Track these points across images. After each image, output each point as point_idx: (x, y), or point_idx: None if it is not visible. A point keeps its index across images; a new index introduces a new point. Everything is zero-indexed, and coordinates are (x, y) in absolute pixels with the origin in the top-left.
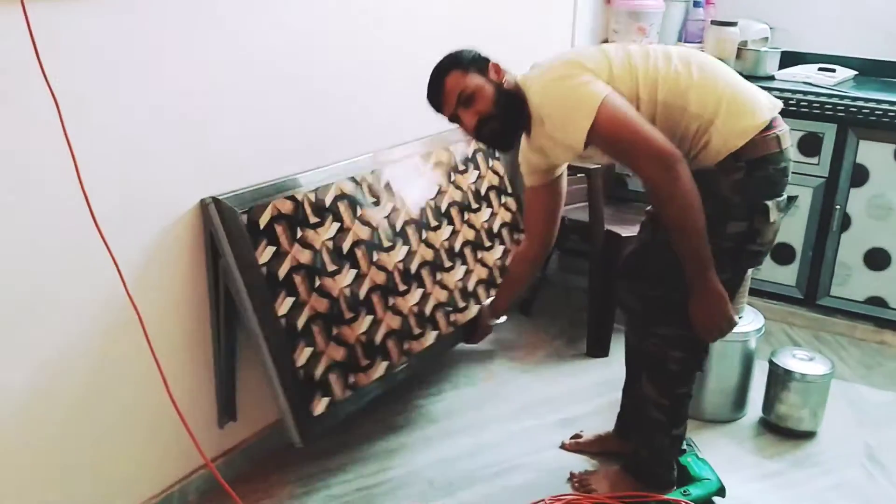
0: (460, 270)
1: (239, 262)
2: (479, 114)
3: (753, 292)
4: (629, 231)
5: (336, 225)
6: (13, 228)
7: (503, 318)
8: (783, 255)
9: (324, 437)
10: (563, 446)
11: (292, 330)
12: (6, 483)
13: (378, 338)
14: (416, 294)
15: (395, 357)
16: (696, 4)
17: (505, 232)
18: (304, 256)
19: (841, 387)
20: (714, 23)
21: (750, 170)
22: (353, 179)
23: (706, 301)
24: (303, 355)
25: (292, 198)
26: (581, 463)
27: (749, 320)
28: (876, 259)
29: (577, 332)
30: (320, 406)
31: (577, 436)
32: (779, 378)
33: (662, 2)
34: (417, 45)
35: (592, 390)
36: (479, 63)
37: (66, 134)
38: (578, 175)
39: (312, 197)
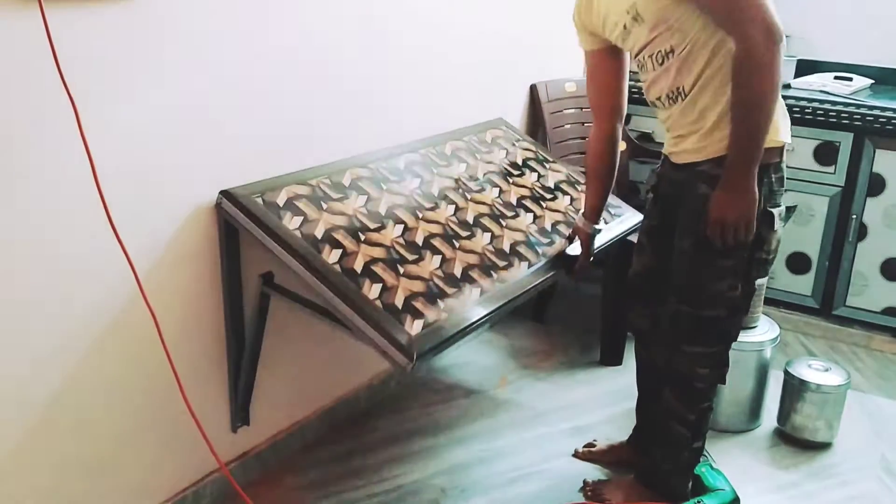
0: (527, 217)
1: (267, 231)
2: None
3: (769, 301)
4: None
5: (363, 197)
6: (28, 228)
7: (602, 225)
8: (799, 264)
9: (431, 355)
10: (576, 454)
11: (351, 273)
12: (21, 484)
13: (457, 271)
14: (484, 237)
15: (488, 284)
16: None
17: (565, 185)
18: (339, 220)
19: (857, 398)
20: None
21: (758, 174)
22: (365, 167)
23: (737, 194)
24: (372, 290)
25: (306, 183)
26: (594, 472)
27: (765, 330)
28: (893, 269)
29: (591, 340)
30: (415, 327)
31: (590, 444)
32: (794, 388)
33: None
34: (430, 43)
35: (606, 399)
36: None
37: (82, 133)
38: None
39: (328, 181)
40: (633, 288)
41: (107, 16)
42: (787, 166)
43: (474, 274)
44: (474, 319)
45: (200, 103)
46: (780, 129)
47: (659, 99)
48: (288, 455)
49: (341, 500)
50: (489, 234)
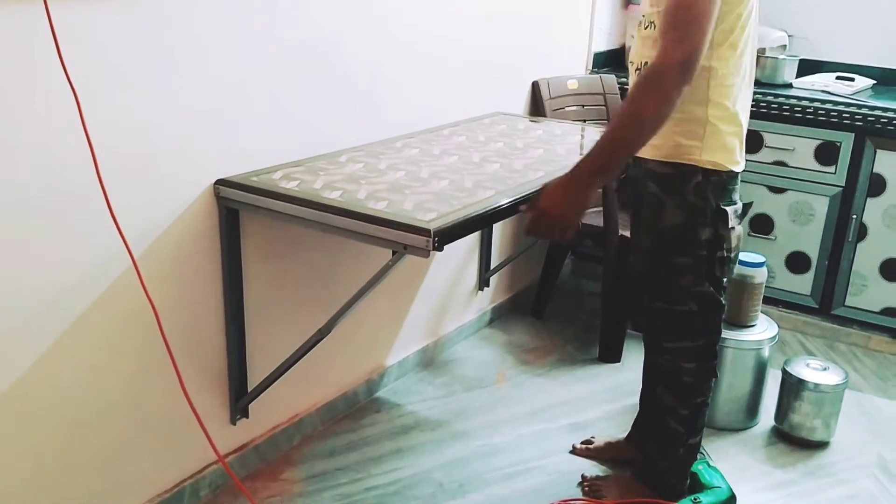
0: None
1: (267, 194)
2: None
3: (767, 300)
4: None
5: (360, 164)
6: (27, 213)
7: None
8: (798, 263)
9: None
10: (574, 451)
11: (355, 202)
12: (21, 478)
13: (468, 183)
14: (494, 165)
15: (502, 187)
16: None
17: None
18: (338, 177)
19: (855, 397)
20: None
21: (706, 175)
22: (362, 150)
23: (571, 192)
24: (379, 205)
25: (301, 165)
26: (592, 468)
27: (763, 328)
28: (892, 269)
29: (590, 337)
30: (429, 216)
31: (588, 441)
32: (792, 387)
33: None
34: (432, 38)
35: (604, 395)
36: None
37: (84, 124)
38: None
39: (323, 162)
40: (632, 286)
41: (110, 5)
42: (788, 165)
43: (487, 183)
44: (493, 206)
45: (200, 94)
46: (735, 155)
47: (632, 64)
48: (287, 448)
49: (339, 493)
50: (499, 164)
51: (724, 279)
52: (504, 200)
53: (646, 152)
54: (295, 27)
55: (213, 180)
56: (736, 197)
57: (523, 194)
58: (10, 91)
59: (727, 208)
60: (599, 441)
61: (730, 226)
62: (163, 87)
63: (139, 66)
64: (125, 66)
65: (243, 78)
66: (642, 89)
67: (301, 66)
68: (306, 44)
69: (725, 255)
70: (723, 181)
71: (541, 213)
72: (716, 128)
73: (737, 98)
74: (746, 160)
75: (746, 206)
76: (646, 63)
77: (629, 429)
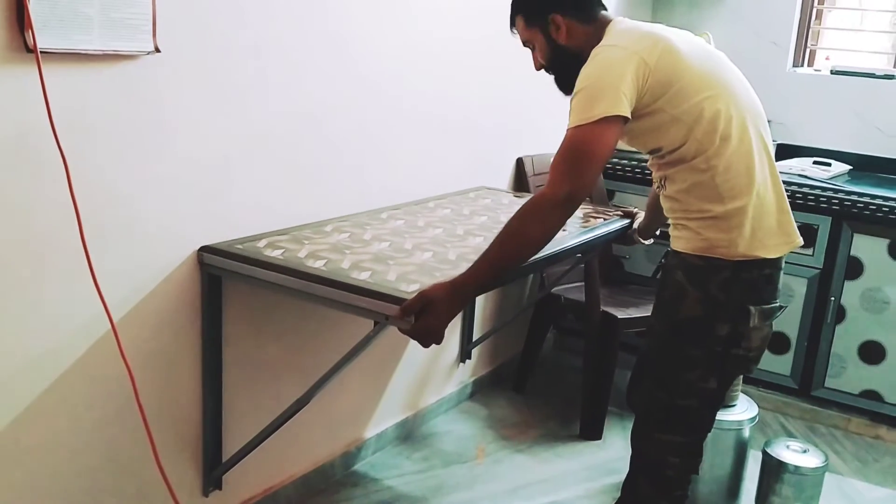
0: None
1: (251, 262)
2: (537, 61)
3: (748, 380)
4: (625, 313)
5: (346, 234)
6: (9, 284)
7: (650, 241)
8: (778, 344)
9: None
10: None
11: (338, 271)
12: None
13: (452, 256)
14: (477, 240)
15: None
16: None
17: None
18: (323, 247)
19: (835, 481)
20: None
21: (736, 270)
22: (347, 220)
23: (453, 302)
24: (362, 276)
25: (286, 233)
26: None
27: (743, 409)
28: (871, 352)
29: (571, 413)
30: (412, 289)
31: None
32: (772, 469)
33: None
34: (421, 113)
35: (585, 473)
36: (541, 14)
37: (70, 187)
38: (576, 255)
39: (309, 231)
40: (637, 366)
41: (101, 72)
42: None
43: (470, 256)
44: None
45: (188, 163)
46: (765, 241)
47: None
48: None
49: None
50: (482, 237)
51: (735, 377)
52: None
53: (679, 245)
54: (285, 99)
55: (198, 247)
56: (769, 295)
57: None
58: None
59: (752, 307)
60: None
61: (751, 325)
62: (150, 153)
63: (127, 131)
64: (113, 132)
65: (231, 146)
66: (528, 215)
67: (289, 136)
68: (295, 115)
69: (742, 353)
70: (754, 279)
71: (428, 328)
72: (738, 220)
73: (751, 185)
74: None
75: (780, 308)
76: (661, 178)
77: None
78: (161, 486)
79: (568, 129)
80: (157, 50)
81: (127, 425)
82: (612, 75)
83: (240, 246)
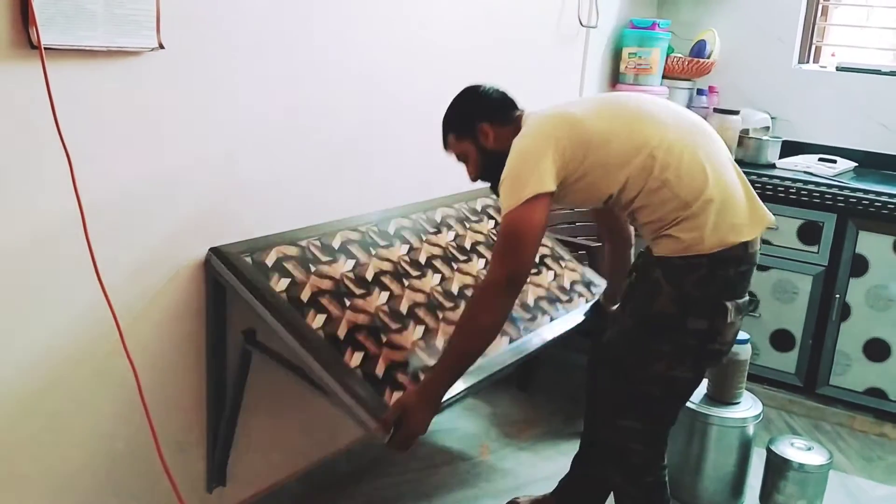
0: None
1: (254, 291)
2: (472, 172)
3: (752, 378)
4: None
5: (352, 261)
6: (15, 284)
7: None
8: (783, 342)
9: None
10: None
11: (334, 339)
12: None
13: (439, 343)
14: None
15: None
16: (699, 92)
17: (549, 261)
18: (325, 284)
19: (839, 478)
20: (717, 111)
21: (712, 267)
22: (356, 230)
23: (425, 407)
24: (354, 358)
25: (296, 244)
26: None
27: (748, 406)
28: (876, 350)
29: (575, 410)
30: (394, 398)
31: (513, 502)
32: (776, 467)
33: (666, 88)
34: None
35: None
36: (470, 126)
37: (75, 187)
38: (580, 252)
39: (318, 242)
40: (594, 353)
41: (107, 73)
42: (772, 243)
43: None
44: (453, 394)
45: (193, 162)
46: (738, 232)
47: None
48: None
49: None
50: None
51: (707, 369)
52: (471, 382)
53: (660, 251)
54: (290, 95)
55: (204, 247)
56: (742, 290)
57: (487, 374)
58: (4, 153)
59: (728, 303)
60: (524, 500)
61: (728, 320)
62: (153, 150)
63: (133, 130)
64: (119, 131)
65: (236, 143)
66: (476, 306)
67: (294, 132)
68: (300, 114)
69: (717, 347)
70: (730, 276)
71: (407, 436)
72: (706, 213)
73: (707, 182)
74: None
75: (751, 302)
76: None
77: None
78: (165, 483)
79: (502, 217)
80: (161, 46)
81: (131, 423)
82: (532, 158)
83: (247, 258)
